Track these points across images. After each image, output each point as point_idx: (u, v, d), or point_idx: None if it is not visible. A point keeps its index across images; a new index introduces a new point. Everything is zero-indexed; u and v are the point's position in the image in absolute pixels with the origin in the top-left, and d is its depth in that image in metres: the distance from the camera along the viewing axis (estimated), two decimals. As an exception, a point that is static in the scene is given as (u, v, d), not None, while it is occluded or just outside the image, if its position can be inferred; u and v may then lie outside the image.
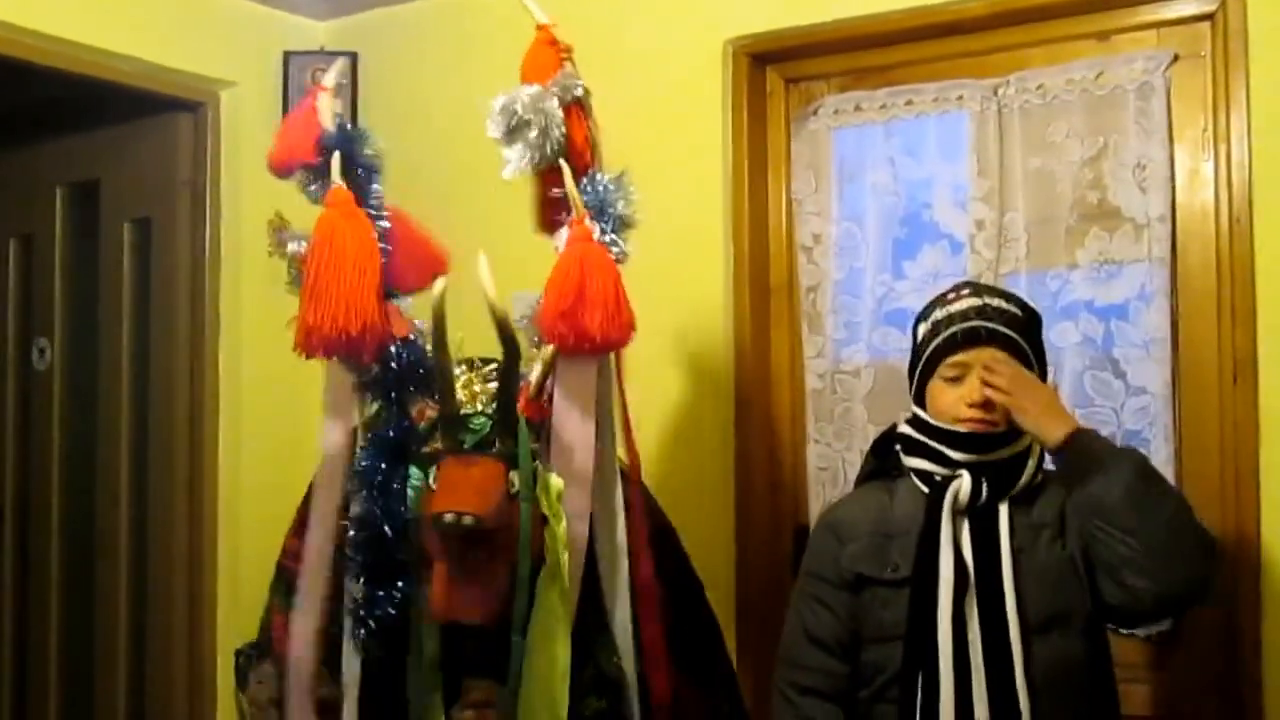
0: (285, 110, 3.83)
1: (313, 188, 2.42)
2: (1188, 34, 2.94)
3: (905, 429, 2.50)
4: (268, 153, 2.53)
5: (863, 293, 3.23)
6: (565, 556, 2.28)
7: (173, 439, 3.77)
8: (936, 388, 2.43)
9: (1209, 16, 2.88)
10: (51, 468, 4.10)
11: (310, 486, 2.55)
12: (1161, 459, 2.86)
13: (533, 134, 2.39)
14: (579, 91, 2.50)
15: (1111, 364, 2.96)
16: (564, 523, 2.27)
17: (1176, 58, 2.94)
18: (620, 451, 2.54)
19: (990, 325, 2.39)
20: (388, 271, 2.36)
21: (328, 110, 2.47)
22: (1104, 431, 2.91)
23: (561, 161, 2.42)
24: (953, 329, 2.41)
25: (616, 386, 2.49)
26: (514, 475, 2.25)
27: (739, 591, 3.25)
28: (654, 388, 3.21)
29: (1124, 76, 2.97)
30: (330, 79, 2.58)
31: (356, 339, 2.21)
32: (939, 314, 2.47)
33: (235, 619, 3.62)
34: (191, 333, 3.77)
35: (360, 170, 2.42)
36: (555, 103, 2.43)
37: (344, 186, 2.33)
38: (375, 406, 2.36)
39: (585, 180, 2.46)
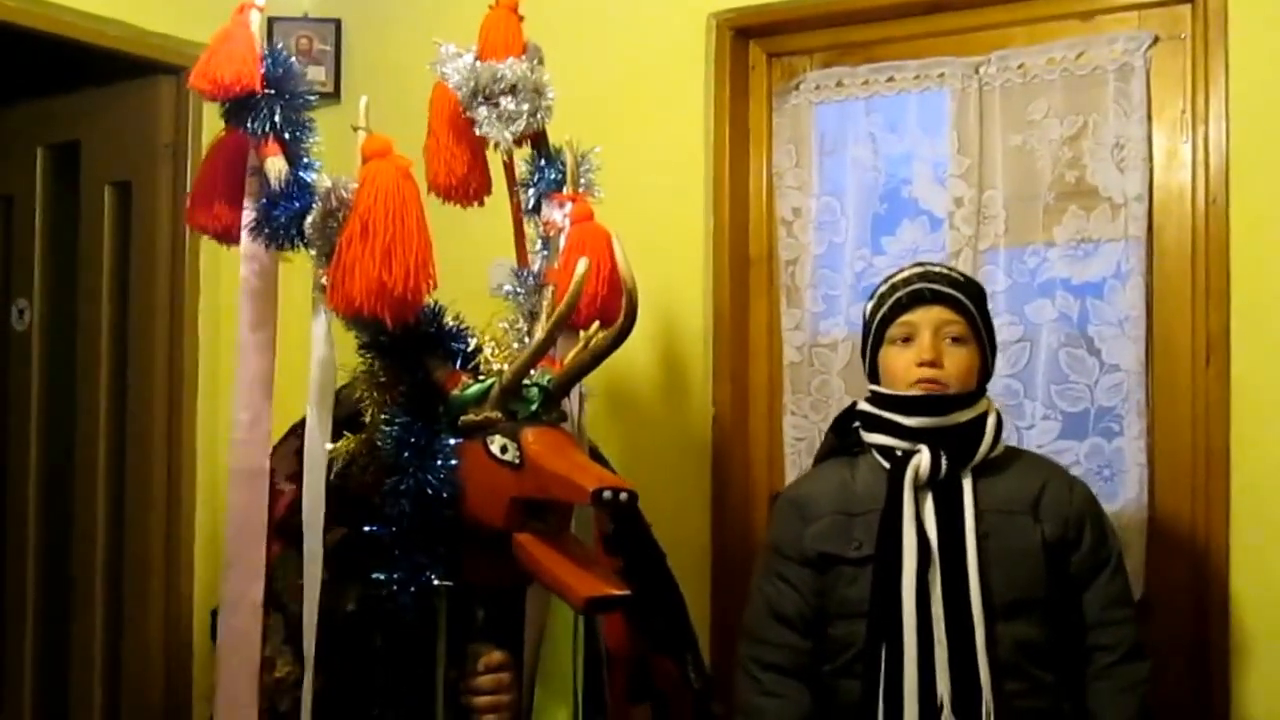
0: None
1: (259, 122, 2.26)
2: (1168, 16, 2.95)
3: (865, 406, 2.55)
4: (198, 70, 2.29)
5: (842, 267, 3.25)
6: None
7: (152, 400, 3.76)
8: (889, 355, 2.50)
9: (1189, -1, 2.91)
10: (30, 428, 4.09)
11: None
12: (1134, 435, 2.91)
13: (516, 104, 2.40)
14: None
15: (1086, 341, 2.98)
16: None
17: (1157, 39, 2.95)
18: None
19: (933, 286, 2.48)
20: None
21: (260, 32, 2.34)
22: (1077, 407, 2.97)
23: (564, 138, 2.48)
24: (896, 294, 2.50)
25: None
26: None
27: (714, 560, 3.27)
28: (632, 358, 3.23)
29: (1104, 57, 2.99)
30: None
31: (420, 300, 2.14)
32: (884, 288, 2.56)
33: (213, 577, 3.59)
34: (171, 296, 3.76)
35: (298, 109, 2.33)
36: (546, 75, 2.45)
37: (379, 134, 2.22)
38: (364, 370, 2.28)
39: (555, 156, 2.52)
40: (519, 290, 2.45)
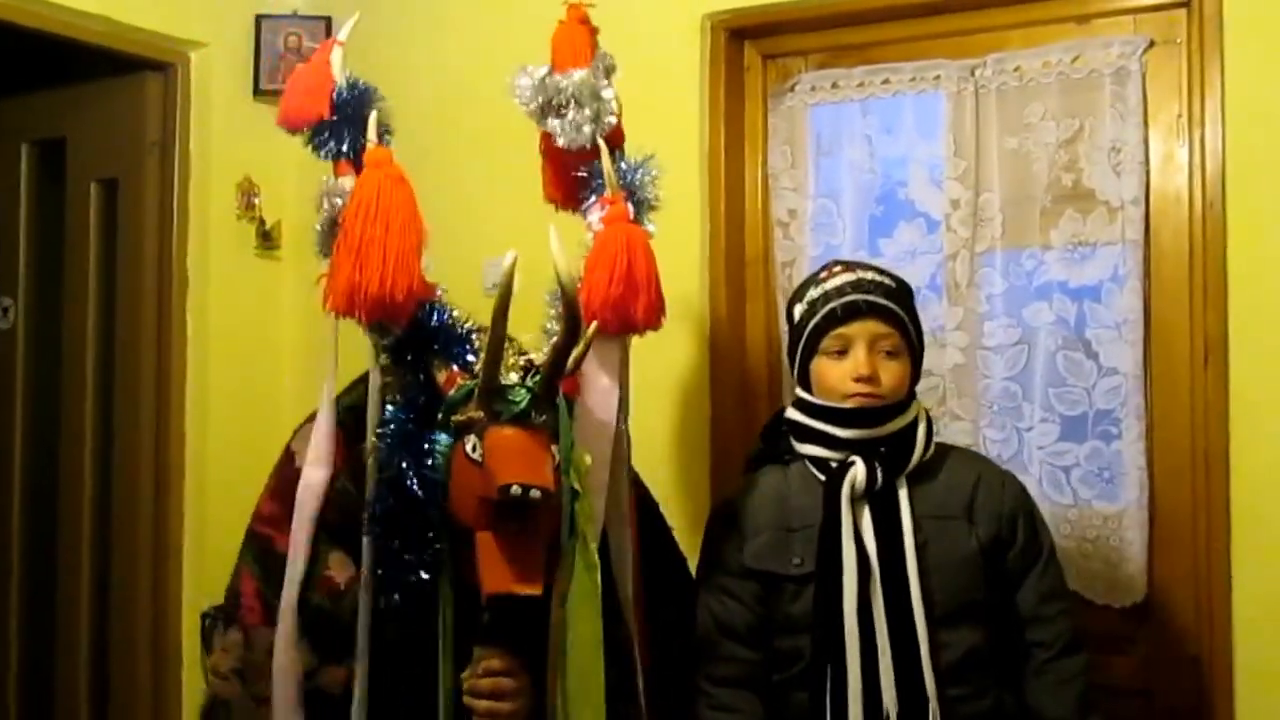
0: (256, 73, 3.83)
1: (329, 146, 2.34)
2: (1164, 20, 2.97)
3: (793, 414, 2.52)
4: (280, 106, 2.44)
5: (838, 269, 3.25)
6: (591, 530, 2.28)
7: (139, 399, 3.74)
8: (821, 365, 2.46)
9: (1185, 3, 2.92)
10: (15, 427, 4.07)
11: (286, 452, 2.51)
12: (1133, 438, 2.92)
13: (581, 114, 2.40)
14: (616, 74, 2.53)
15: (1084, 345, 2.99)
16: (590, 497, 2.27)
17: (1152, 43, 2.97)
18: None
19: (869, 298, 2.43)
20: None
21: (340, 65, 2.40)
22: (1076, 411, 2.99)
23: (600, 141, 2.44)
24: (830, 305, 2.44)
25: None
26: (554, 449, 2.24)
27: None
28: (631, 358, 3.22)
29: (1100, 60, 3.00)
30: (344, 34, 2.48)
31: (403, 301, 2.16)
32: (814, 292, 2.50)
33: (201, 579, 3.60)
34: (159, 295, 3.73)
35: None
36: (610, 89, 2.44)
37: (382, 146, 2.28)
38: (387, 369, 2.30)
39: (616, 160, 2.49)
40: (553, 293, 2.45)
